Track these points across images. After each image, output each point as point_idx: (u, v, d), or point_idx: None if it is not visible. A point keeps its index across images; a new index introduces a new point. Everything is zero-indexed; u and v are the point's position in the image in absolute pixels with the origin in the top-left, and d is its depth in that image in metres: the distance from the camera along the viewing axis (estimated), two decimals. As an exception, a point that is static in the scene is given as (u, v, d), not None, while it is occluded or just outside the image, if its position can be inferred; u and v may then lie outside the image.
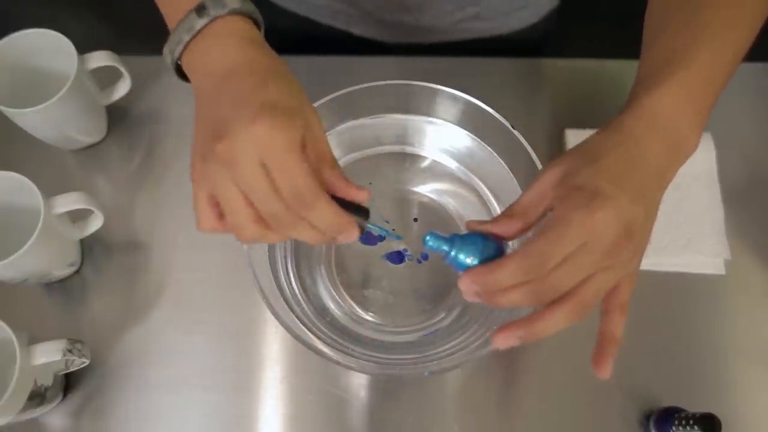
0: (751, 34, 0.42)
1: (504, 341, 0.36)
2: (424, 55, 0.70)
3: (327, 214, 0.37)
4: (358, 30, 0.74)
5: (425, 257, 0.57)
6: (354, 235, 0.39)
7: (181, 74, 0.42)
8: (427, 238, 0.39)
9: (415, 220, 0.58)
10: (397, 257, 0.57)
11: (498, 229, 0.39)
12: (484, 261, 0.38)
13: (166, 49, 0.41)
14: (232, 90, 0.37)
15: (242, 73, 0.37)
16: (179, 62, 0.41)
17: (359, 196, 0.39)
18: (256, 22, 0.41)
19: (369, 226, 0.41)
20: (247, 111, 0.35)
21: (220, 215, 0.38)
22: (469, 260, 0.38)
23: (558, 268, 0.34)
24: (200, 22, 0.38)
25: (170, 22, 0.41)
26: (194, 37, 0.39)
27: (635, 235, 0.36)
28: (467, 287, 0.37)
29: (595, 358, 0.37)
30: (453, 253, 0.38)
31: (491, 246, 0.38)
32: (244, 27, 0.39)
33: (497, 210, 0.56)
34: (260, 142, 0.34)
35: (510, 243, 0.41)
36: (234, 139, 0.34)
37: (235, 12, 0.39)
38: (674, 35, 0.42)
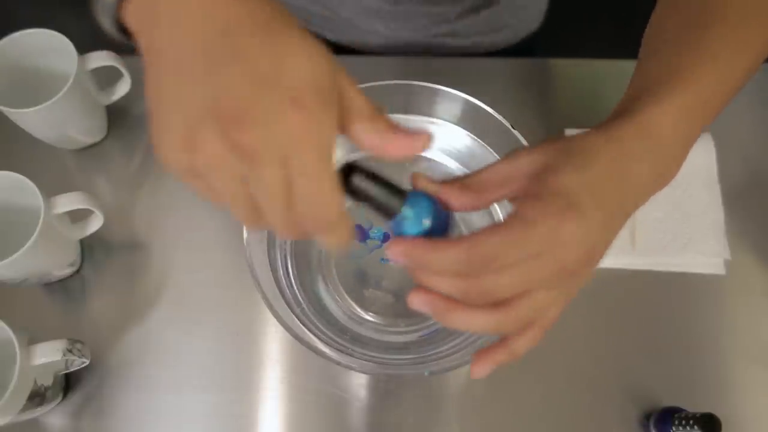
0: (758, 60, 0.40)
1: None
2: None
3: (341, 239, 0.31)
4: (332, 35, 0.72)
5: None
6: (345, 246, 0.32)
7: (120, 29, 0.34)
8: None
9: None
10: None
11: (446, 197, 0.34)
12: (427, 231, 0.33)
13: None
14: (237, 58, 0.28)
15: (243, 33, 0.29)
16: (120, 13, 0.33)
17: (408, 147, 0.32)
18: None
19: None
20: (273, 95, 0.28)
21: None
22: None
23: (500, 272, 0.30)
24: None
25: None
26: None
27: (593, 262, 0.33)
28: (396, 256, 0.32)
29: (479, 353, 0.34)
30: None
31: (440, 215, 0.33)
32: None
33: (497, 211, 0.56)
34: (290, 138, 0.28)
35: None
36: (265, 129, 0.28)
37: None
38: (679, 51, 0.39)
